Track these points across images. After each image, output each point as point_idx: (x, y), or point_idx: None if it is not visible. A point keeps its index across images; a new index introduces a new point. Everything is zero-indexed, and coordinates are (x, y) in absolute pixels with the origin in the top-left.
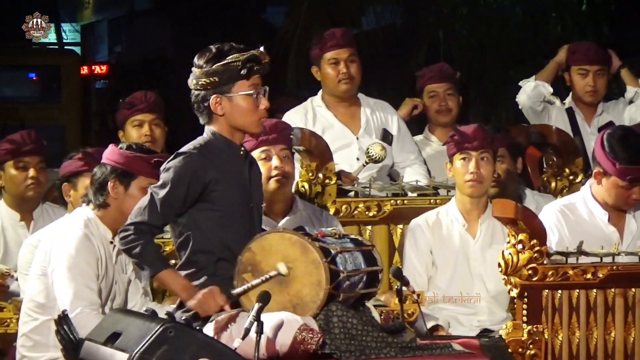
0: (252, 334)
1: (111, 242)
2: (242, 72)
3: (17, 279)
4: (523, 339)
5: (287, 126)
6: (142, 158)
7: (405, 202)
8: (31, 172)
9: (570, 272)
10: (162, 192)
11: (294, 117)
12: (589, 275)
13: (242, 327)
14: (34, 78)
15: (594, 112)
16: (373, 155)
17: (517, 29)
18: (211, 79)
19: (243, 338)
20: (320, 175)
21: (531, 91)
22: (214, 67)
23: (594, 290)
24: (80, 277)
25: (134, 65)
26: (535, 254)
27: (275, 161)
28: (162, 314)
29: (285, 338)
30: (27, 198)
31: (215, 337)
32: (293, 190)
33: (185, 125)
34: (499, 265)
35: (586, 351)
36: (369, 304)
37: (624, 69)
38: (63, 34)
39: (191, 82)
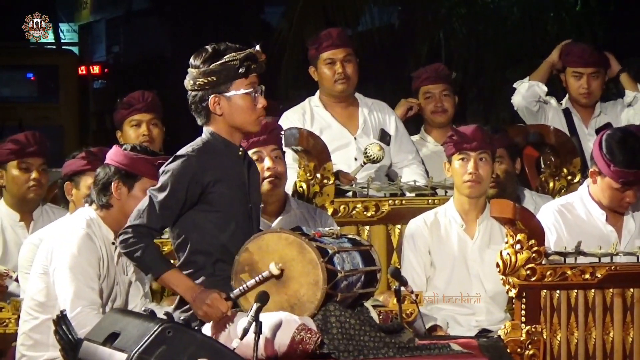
0: (251, 334)
1: (113, 243)
2: (240, 70)
3: (15, 280)
4: (521, 339)
5: (277, 126)
6: (146, 160)
7: (404, 202)
8: (34, 174)
9: (569, 272)
10: (161, 195)
11: (292, 117)
12: (587, 276)
13: (241, 327)
14: (32, 78)
15: (591, 113)
16: (371, 156)
17: (515, 29)
18: (209, 78)
19: (241, 338)
20: (318, 175)
21: (525, 91)
22: (211, 66)
23: (593, 291)
24: (82, 276)
25: (132, 65)
26: (534, 254)
27: (267, 162)
28: (160, 314)
29: (283, 338)
30: (28, 199)
31: (214, 337)
32: (291, 190)
33: (183, 125)
34: (497, 265)
35: (585, 351)
36: (367, 304)
37: (624, 73)
38: (61, 34)
39: (188, 82)
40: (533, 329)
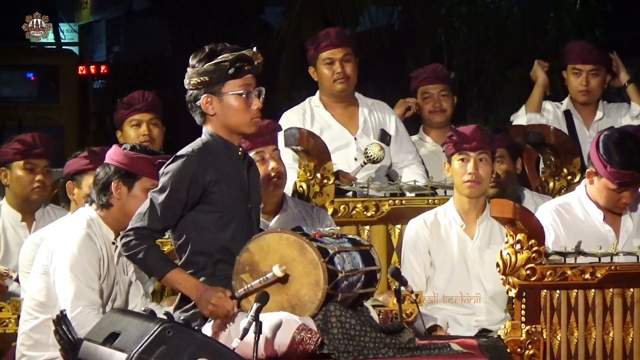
0: (251, 334)
1: (113, 243)
2: (229, 71)
3: (16, 280)
4: (521, 339)
5: (277, 126)
6: (146, 159)
7: (404, 202)
8: (38, 175)
9: (569, 272)
10: (162, 196)
11: (292, 117)
12: (587, 275)
13: (241, 327)
14: (32, 78)
15: (592, 114)
16: (371, 156)
17: (515, 29)
18: (202, 78)
19: (242, 338)
20: (318, 175)
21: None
22: (204, 66)
23: (592, 290)
24: (82, 276)
25: (132, 65)
26: (534, 254)
27: (271, 163)
28: (160, 314)
29: (283, 338)
30: (31, 201)
31: (214, 337)
32: (291, 190)
33: (183, 125)
34: (497, 265)
35: (584, 351)
36: (367, 304)
37: (632, 84)
38: (61, 34)
39: (186, 81)
40: (533, 329)
